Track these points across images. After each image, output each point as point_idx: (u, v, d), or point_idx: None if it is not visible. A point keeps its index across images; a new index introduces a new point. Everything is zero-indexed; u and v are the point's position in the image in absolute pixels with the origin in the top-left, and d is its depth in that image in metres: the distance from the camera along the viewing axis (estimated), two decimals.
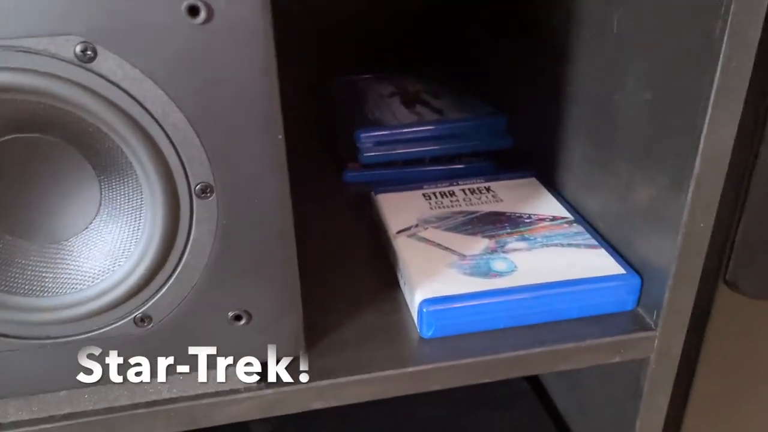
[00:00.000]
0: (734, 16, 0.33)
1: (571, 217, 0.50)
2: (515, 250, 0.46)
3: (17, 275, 0.31)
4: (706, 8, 0.35)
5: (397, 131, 0.62)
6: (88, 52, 0.27)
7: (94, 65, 0.27)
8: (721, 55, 0.34)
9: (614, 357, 0.42)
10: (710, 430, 0.68)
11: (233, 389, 0.37)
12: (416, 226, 0.50)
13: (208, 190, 0.30)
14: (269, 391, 0.38)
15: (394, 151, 0.62)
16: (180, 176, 0.30)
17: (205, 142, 0.29)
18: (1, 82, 0.26)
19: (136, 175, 0.30)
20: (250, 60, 0.28)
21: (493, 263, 0.45)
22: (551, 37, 0.53)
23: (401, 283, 0.46)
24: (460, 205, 0.53)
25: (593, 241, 0.47)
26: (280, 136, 0.30)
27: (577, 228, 0.49)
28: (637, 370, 0.45)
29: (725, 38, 0.34)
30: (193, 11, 0.27)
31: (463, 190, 0.55)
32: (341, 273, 0.49)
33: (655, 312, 0.42)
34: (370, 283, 0.48)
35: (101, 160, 0.30)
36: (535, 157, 0.59)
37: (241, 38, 0.28)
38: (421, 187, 0.56)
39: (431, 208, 0.52)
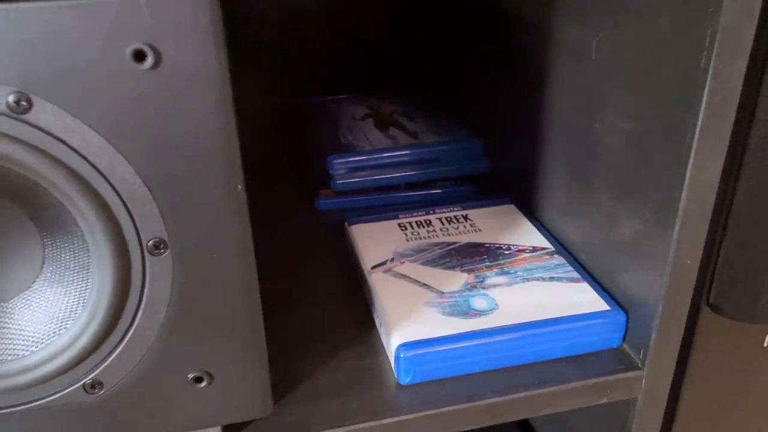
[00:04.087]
0: (720, 47, 0.32)
1: (552, 248, 0.48)
2: (495, 285, 0.44)
3: None
4: (690, 38, 0.33)
5: (371, 156, 0.60)
6: (23, 103, 0.24)
7: (29, 116, 0.25)
8: (707, 88, 0.32)
9: (601, 399, 0.41)
10: None
11: None
12: (392, 260, 0.48)
13: (161, 246, 0.28)
14: None
15: (368, 177, 0.60)
16: (130, 232, 0.27)
17: (156, 195, 0.27)
18: None
19: (82, 232, 0.27)
20: (204, 107, 0.26)
21: (473, 301, 0.43)
22: (528, 60, 0.51)
23: (377, 323, 0.44)
24: (437, 236, 0.51)
25: (575, 275, 0.45)
26: (240, 187, 0.28)
27: (559, 260, 0.47)
28: (625, 410, 0.43)
29: (710, 71, 0.32)
30: (138, 56, 0.25)
31: (440, 219, 0.53)
32: (313, 311, 0.46)
33: (642, 350, 0.40)
34: (345, 323, 0.45)
35: (43, 217, 0.28)
36: (512, 183, 0.58)
37: (194, 84, 0.25)
38: (396, 216, 0.54)
39: (407, 240, 0.50)
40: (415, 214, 0.54)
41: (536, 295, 0.43)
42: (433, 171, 0.60)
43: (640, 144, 0.38)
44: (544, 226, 0.52)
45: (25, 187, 0.26)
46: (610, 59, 0.40)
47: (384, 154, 0.60)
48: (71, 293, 0.29)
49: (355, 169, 0.60)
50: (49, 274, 0.29)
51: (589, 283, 0.44)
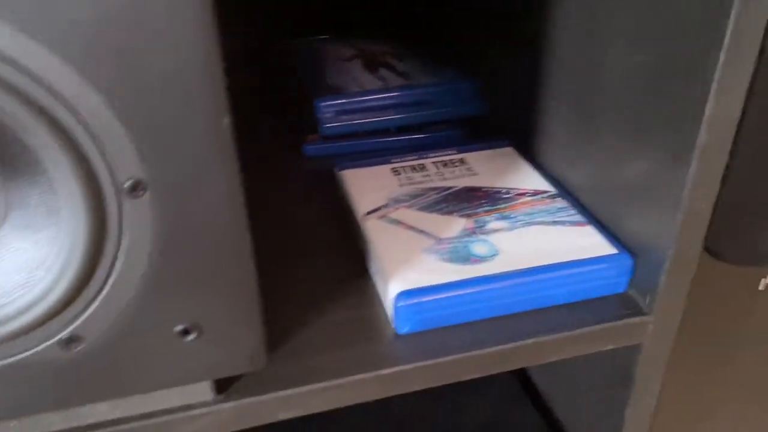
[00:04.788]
0: None
1: (554, 191, 0.46)
2: (495, 230, 0.42)
3: None
4: None
5: (360, 99, 0.57)
6: None
7: None
8: (733, 12, 0.30)
9: (606, 345, 0.39)
10: (689, 401, 0.67)
11: (187, 405, 0.33)
12: (386, 206, 0.45)
13: (139, 187, 0.25)
14: (229, 404, 0.33)
15: (357, 121, 0.57)
16: (103, 172, 0.24)
17: (133, 130, 0.24)
18: None
19: (47, 172, 0.24)
20: (183, 28, 0.23)
21: (473, 247, 0.41)
22: None
23: (372, 272, 0.42)
24: (432, 181, 0.48)
25: (580, 218, 0.43)
26: (226, 120, 0.25)
27: (561, 203, 0.45)
28: (629, 356, 0.41)
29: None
30: None
31: (435, 164, 0.50)
32: (304, 263, 0.44)
33: (649, 296, 0.39)
34: (337, 274, 0.43)
35: (3, 157, 0.25)
36: (511, 126, 0.55)
37: (174, 1, 0.22)
38: (389, 161, 0.51)
39: (401, 185, 0.48)
40: (408, 158, 0.51)
41: (538, 240, 0.41)
42: (426, 113, 0.58)
43: (653, 78, 0.36)
44: (545, 170, 0.49)
45: None
46: None
47: (373, 96, 0.57)
48: (41, 241, 0.26)
49: (343, 113, 0.57)
50: (15, 221, 0.26)
51: (594, 227, 0.42)
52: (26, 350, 0.27)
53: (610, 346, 0.39)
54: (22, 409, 0.28)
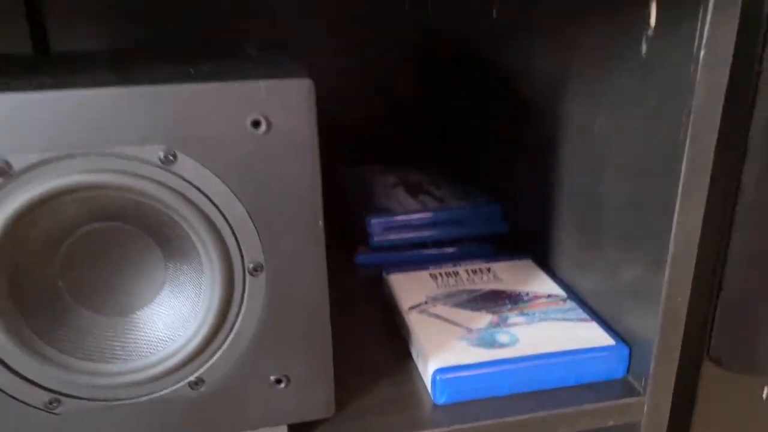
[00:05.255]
0: (694, 124, 0.40)
1: (565, 295, 0.56)
2: (516, 324, 0.51)
3: (91, 344, 0.36)
4: (672, 116, 0.42)
5: (404, 217, 0.68)
6: (170, 157, 0.33)
7: (174, 167, 0.33)
8: (685, 155, 0.41)
9: (608, 421, 0.47)
10: None
11: None
12: (426, 303, 0.55)
13: (259, 269, 0.36)
14: None
15: (401, 236, 0.68)
16: (236, 257, 0.35)
17: (259, 228, 0.35)
18: (100, 181, 0.32)
19: (199, 257, 0.35)
20: (300, 162, 0.35)
21: (497, 336, 0.50)
22: (541, 136, 0.61)
23: (414, 355, 0.51)
24: (464, 284, 0.58)
25: (585, 316, 0.52)
26: (320, 223, 0.36)
27: (571, 305, 0.54)
28: None
29: (687, 140, 0.41)
30: (256, 124, 0.34)
31: (466, 271, 0.61)
32: (355, 347, 0.53)
33: (643, 379, 0.47)
34: (384, 357, 0.52)
35: (169, 245, 0.36)
36: (529, 241, 0.66)
37: (294, 145, 0.34)
38: (427, 268, 0.62)
39: (438, 287, 0.58)
40: (443, 267, 0.62)
41: (551, 332, 0.50)
42: (457, 230, 0.69)
43: (637, 201, 0.46)
44: (558, 278, 0.59)
45: (159, 221, 0.35)
46: (610, 133, 0.49)
47: (414, 216, 0.68)
48: (185, 306, 0.36)
49: (390, 229, 0.68)
50: (168, 291, 0.37)
51: (597, 323, 0.51)
52: (164, 389, 0.37)
53: (612, 423, 0.47)
54: None
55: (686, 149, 0.41)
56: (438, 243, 0.69)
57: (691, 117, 0.40)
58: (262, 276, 0.36)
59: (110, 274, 0.36)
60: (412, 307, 0.54)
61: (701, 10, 0.38)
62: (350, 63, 0.89)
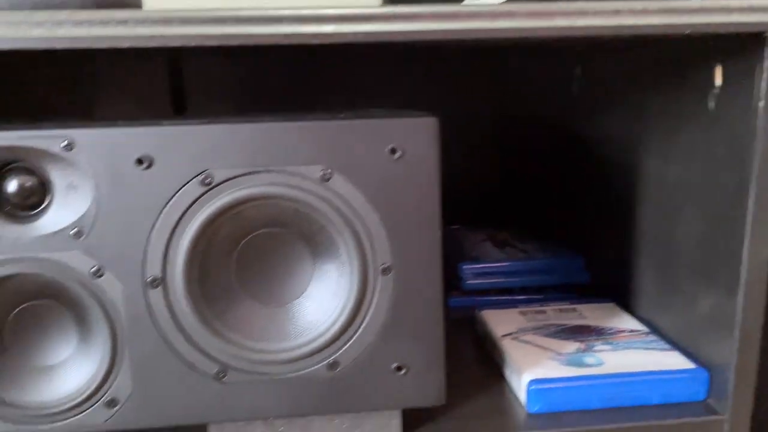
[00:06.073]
0: (759, 166, 0.47)
1: (647, 330, 0.61)
2: (601, 350, 0.57)
3: (254, 326, 0.44)
4: (738, 161, 0.48)
5: (493, 265, 0.75)
6: (327, 175, 0.43)
7: (329, 184, 0.43)
8: (751, 191, 0.47)
9: None
10: None
11: None
12: (517, 332, 0.61)
13: (388, 270, 0.44)
14: None
15: (490, 281, 0.75)
16: (371, 257, 0.44)
17: (390, 235, 0.44)
18: (277, 192, 0.42)
19: (341, 257, 0.44)
20: (425, 182, 0.44)
21: (585, 358, 0.55)
22: (618, 189, 0.68)
23: (507, 374, 0.57)
24: (551, 320, 0.64)
25: (666, 346, 0.57)
26: (439, 233, 0.44)
27: (652, 338, 0.59)
28: None
29: (752, 180, 0.47)
30: (393, 151, 0.43)
31: (553, 310, 0.67)
32: (451, 369, 0.60)
33: (723, 401, 0.51)
34: (478, 377, 0.58)
35: (317, 248, 0.45)
36: (611, 289, 0.71)
37: (421, 169, 0.43)
38: (516, 307, 0.68)
39: (527, 321, 0.64)
40: (532, 306, 0.68)
41: (634, 358, 0.55)
42: (542, 279, 0.75)
43: (710, 239, 0.53)
44: (638, 317, 0.64)
45: (314, 227, 0.44)
46: (682, 181, 0.56)
47: (502, 263, 0.76)
48: (327, 299, 0.45)
49: (480, 275, 0.75)
50: (317, 283, 0.45)
51: (679, 352, 0.56)
52: (308, 368, 0.45)
53: None
54: (295, 411, 0.45)
55: (752, 186, 0.47)
56: (524, 290, 0.76)
57: (755, 159, 0.47)
58: (390, 275, 0.44)
59: (271, 270, 0.45)
60: (504, 335, 0.61)
61: (757, 68, 0.45)
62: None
